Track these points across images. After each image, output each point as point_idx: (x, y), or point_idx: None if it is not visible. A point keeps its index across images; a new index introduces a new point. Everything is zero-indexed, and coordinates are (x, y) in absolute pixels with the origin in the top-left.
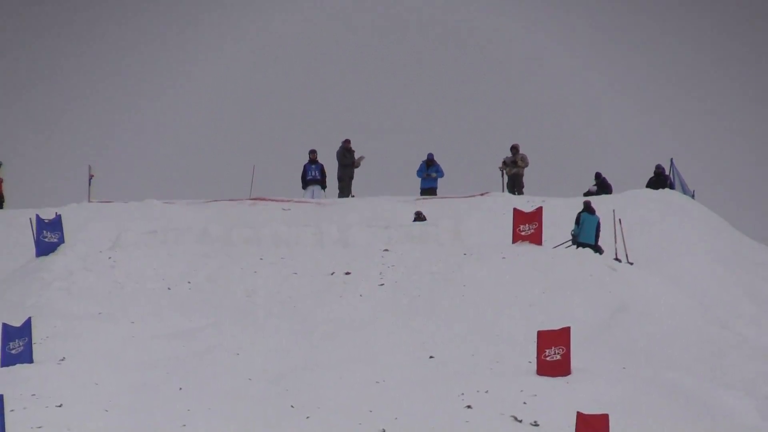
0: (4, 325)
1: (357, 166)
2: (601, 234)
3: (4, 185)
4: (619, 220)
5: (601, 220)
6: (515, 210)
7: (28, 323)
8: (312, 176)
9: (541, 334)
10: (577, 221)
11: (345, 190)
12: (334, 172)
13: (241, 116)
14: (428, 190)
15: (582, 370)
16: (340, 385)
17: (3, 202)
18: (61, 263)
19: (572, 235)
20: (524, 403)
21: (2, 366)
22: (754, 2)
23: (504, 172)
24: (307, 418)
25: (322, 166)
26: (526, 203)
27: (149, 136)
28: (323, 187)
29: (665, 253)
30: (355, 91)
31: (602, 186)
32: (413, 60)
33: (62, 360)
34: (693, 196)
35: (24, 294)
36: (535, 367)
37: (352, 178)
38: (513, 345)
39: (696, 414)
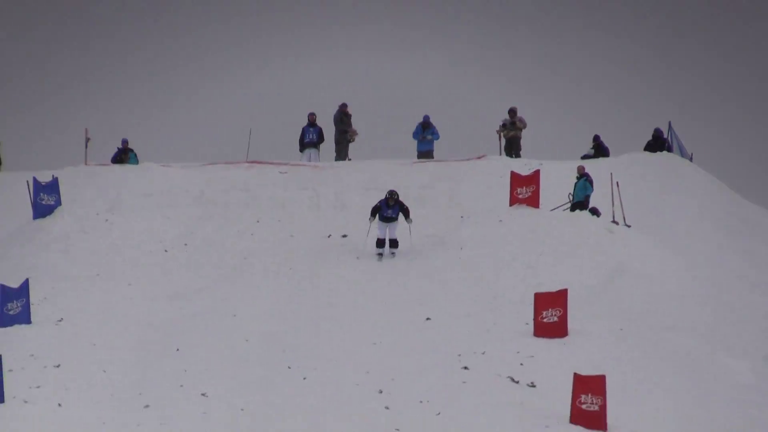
0: (2, 287)
1: (351, 141)
2: (592, 196)
3: (1, 148)
4: (617, 183)
5: (593, 184)
6: (512, 173)
7: (25, 284)
8: (309, 139)
9: (538, 296)
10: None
11: (342, 154)
12: (331, 136)
13: (238, 78)
14: (425, 153)
15: (579, 332)
16: (337, 346)
17: (0, 164)
18: (59, 226)
19: (570, 197)
20: (521, 364)
21: (0, 327)
22: None
23: (501, 135)
24: (304, 379)
25: (320, 129)
26: (523, 166)
27: (146, 99)
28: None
29: (663, 216)
30: (353, 53)
31: (599, 149)
32: (408, 20)
33: (60, 321)
34: (691, 159)
35: (22, 256)
36: (532, 328)
37: (349, 141)
38: (510, 307)
39: (693, 375)
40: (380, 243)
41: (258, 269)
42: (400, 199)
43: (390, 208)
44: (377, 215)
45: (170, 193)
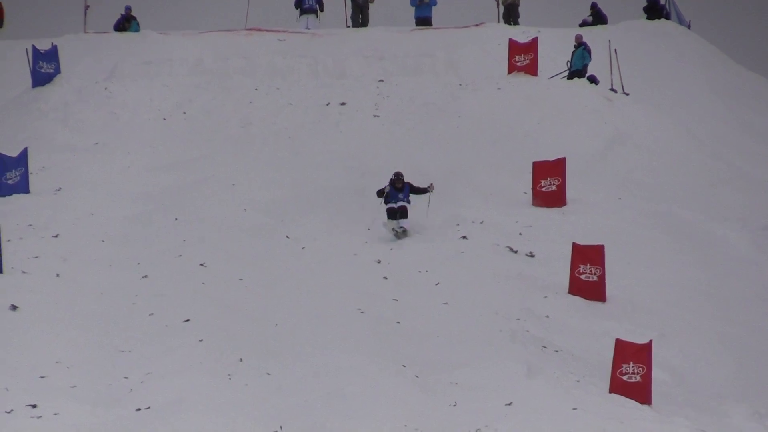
0: (1, 155)
1: (371, 2)
2: (589, 64)
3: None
4: (615, 50)
5: (591, 54)
6: (511, 41)
7: (24, 153)
8: (308, 5)
9: (536, 165)
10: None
11: (357, 20)
12: (328, 3)
13: None
14: (423, 19)
15: (577, 201)
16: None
17: (2, 24)
18: (57, 94)
19: (567, 65)
20: (519, 233)
21: None
22: None
23: (500, 2)
24: (303, 248)
25: None
26: (521, 34)
27: None
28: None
29: (660, 85)
30: None
31: (598, 16)
32: None
33: (58, 190)
34: (689, 27)
35: (20, 125)
36: (530, 197)
37: (369, 3)
38: (508, 176)
39: (691, 246)
40: (392, 213)
41: (256, 138)
42: (407, 180)
43: (399, 192)
44: (386, 200)
45: (169, 62)
